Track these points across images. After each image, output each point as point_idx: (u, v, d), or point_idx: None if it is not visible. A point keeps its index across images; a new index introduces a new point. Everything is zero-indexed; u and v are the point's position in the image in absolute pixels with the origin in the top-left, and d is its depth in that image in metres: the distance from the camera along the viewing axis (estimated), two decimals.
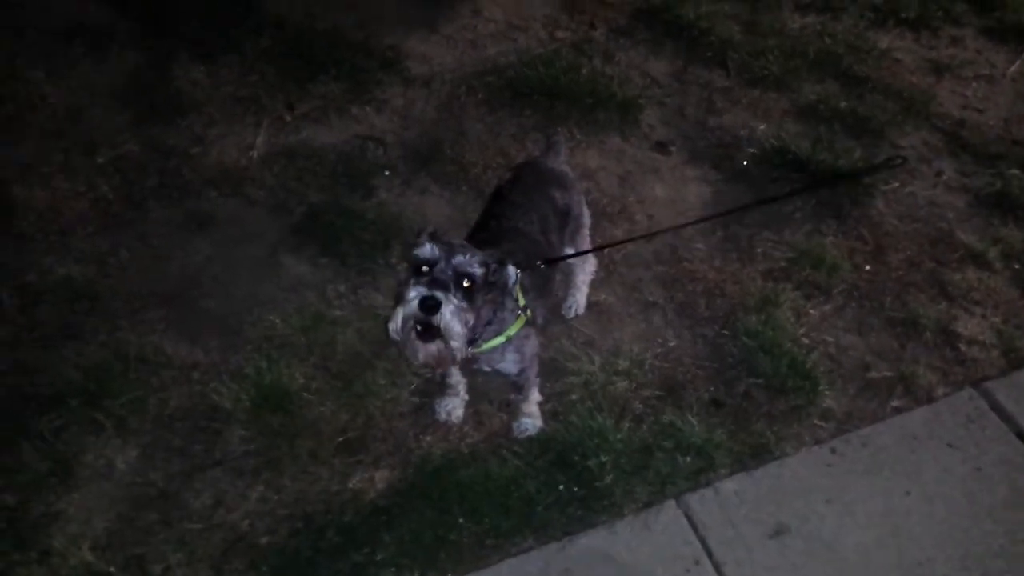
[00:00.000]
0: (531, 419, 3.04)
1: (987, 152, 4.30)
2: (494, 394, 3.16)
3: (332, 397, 3.11)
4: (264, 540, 2.76)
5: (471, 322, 2.36)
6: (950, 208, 4.01)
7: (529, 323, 2.65)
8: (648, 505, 2.89)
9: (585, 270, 3.37)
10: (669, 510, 2.88)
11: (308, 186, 3.88)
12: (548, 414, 3.10)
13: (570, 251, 3.13)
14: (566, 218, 2.97)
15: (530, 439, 3.03)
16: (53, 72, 4.30)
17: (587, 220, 3.23)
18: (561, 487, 2.92)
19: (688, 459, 3.01)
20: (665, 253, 3.71)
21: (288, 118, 4.21)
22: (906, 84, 4.67)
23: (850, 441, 3.09)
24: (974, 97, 4.67)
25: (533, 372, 2.91)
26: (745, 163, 4.16)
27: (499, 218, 2.83)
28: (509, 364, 2.73)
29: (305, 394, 3.10)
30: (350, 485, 2.89)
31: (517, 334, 2.62)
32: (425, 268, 2.31)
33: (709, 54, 4.77)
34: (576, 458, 2.97)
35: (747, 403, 3.21)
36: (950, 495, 2.95)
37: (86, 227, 3.62)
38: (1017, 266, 3.74)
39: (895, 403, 3.23)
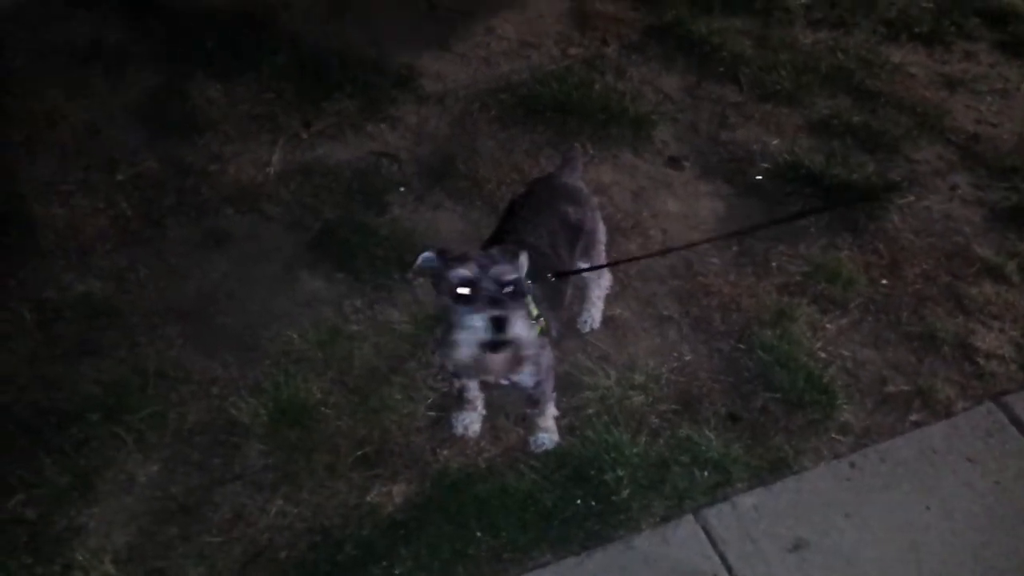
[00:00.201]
0: (548, 434, 3.04)
1: (1002, 166, 4.30)
2: (511, 408, 3.16)
3: (349, 411, 3.12)
4: (283, 554, 2.76)
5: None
6: (966, 222, 4.01)
7: (543, 333, 2.65)
8: (666, 520, 2.88)
9: (600, 285, 3.38)
10: (687, 525, 2.86)
11: (324, 203, 3.91)
12: (564, 429, 3.10)
13: (582, 265, 3.14)
14: (578, 233, 2.98)
15: (547, 453, 3.03)
16: (72, 91, 4.35)
17: (602, 236, 3.24)
18: (578, 501, 2.91)
19: (705, 473, 3.00)
20: (680, 267, 3.71)
21: (304, 135, 4.25)
22: (919, 99, 4.68)
23: (868, 455, 3.07)
24: (988, 111, 4.67)
25: (549, 386, 2.91)
26: (758, 178, 4.16)
27: (508, 233, 2.85)
28: (526, 376, 2.73)
29: (322, 408, 3.11)
30: (368, 499, 2.90)
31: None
32: (465, 289, 2.31)
33: (721, 69, 4.79)
34: (593, 472, 2.97)
35: (764, 417, 3.20)
36: (969, 509, 2.93)
37: (105, 244, 3.65)
38: None
39: (913, 417, 3.21)
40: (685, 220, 3.95)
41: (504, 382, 2.74)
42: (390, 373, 3.25)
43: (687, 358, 3.39)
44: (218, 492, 2.90)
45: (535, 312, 2.59)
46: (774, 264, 3.74)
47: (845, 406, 3.21)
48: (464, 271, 2.32)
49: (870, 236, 3.89)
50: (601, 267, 3.25)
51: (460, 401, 3.06)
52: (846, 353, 3.42)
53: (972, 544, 2.84)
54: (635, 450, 3.02)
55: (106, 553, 2.71)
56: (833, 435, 3.14)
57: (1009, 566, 2.79)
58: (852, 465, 3.04)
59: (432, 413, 3.15)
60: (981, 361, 3.40)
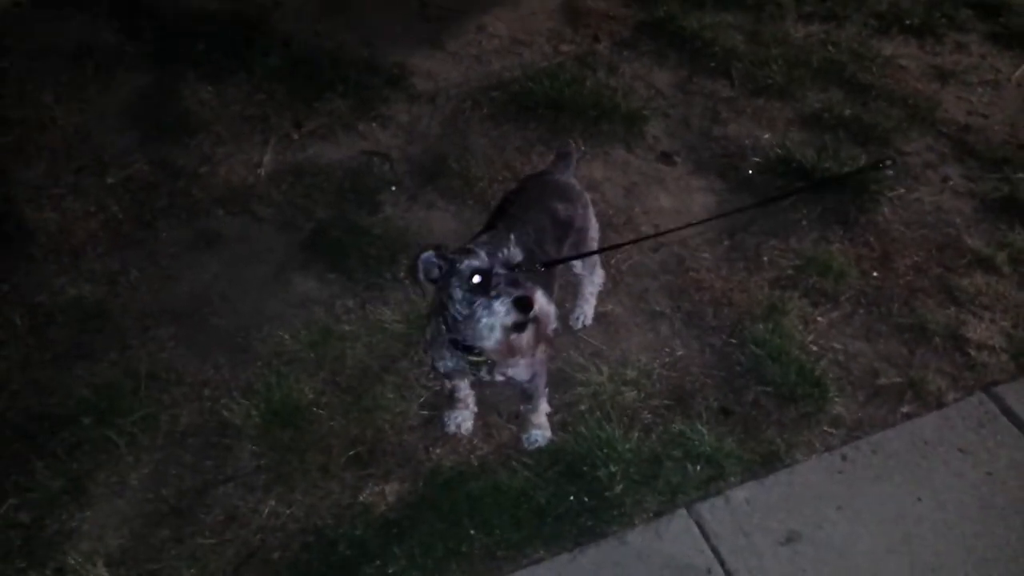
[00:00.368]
0: (540, 430, 3.04)
1: (993, 157, 4.30)
2: (503, 406, 3.17)
3: (342, 411, 3.13)
4: (276, 555, 2.76)
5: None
6: (957, 213, 4.01)
7: None
8: (659, 515, 2.88)
9: (593, 282, 3.38)
10: (680, 519, 2.87)
11: (315, 203, 3.91)
12: (557, 425, 3.10)
13: (575, 262, 3.15)
14: (567, 230, 2.98)
15: (539, 450, 3.04)
16: (63, 94, 4.36)
17: (595, 233, 3.22)
18: (571, 498, 2.92)
19: (698, 468, 3.00)
20: (672, 263, 3.72)
21: (295, 136, 4.25)
22: (911, 91, 4.68)
23: (860, 448, 3.08)
24: (979, 102, 4.68)
25: (543, 381, 2.91)
26: (750, 172, 4.17)
27: (495, 228, 2.84)
28: (521, 370, 2.74)
29: (315, 409, 3.12)
30: (361, 499, 2.90)
31: None
32: (478, 278, 2.33)
33: (713, 64, 4.79)
34: (586, 468, 2.98)
35: (756, 411, 3.20)
36: (961, 500, 2.93)
37: (96, 247, 3.65)
38: None
39: (905, 409, 3.22)
40: (677, 215, 3.95)
41: (500, 378, 2.75)
42: (382, 372, 3.25)
43: (679, 353, 3.39)
44: (210, 494, 2.90)
45: None
46: (765, 258, 3.74)
47: (837, 399, 3.22)
48: (475, 262, 2.34)
49: (861, 229, 3.89)
50: (583, 256, 3.19)
51: (452, 400, 3.07)
52: (837, 346, 3.42)
53: (964, 535, 2.85)
54: (628, 446, 3.03)
55: (99, 556, 2.72)
56: (825, 428, 3.15)
57: (1001, 556, 2.80)
58: (844, 458, 3.05)
59: (425, 412, 3.15)
60: (972, 352, 3.40)
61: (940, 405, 3.23)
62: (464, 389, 3.04)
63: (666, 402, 3.21)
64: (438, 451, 3.05)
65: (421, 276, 2.43)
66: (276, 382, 3.16)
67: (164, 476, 2.94)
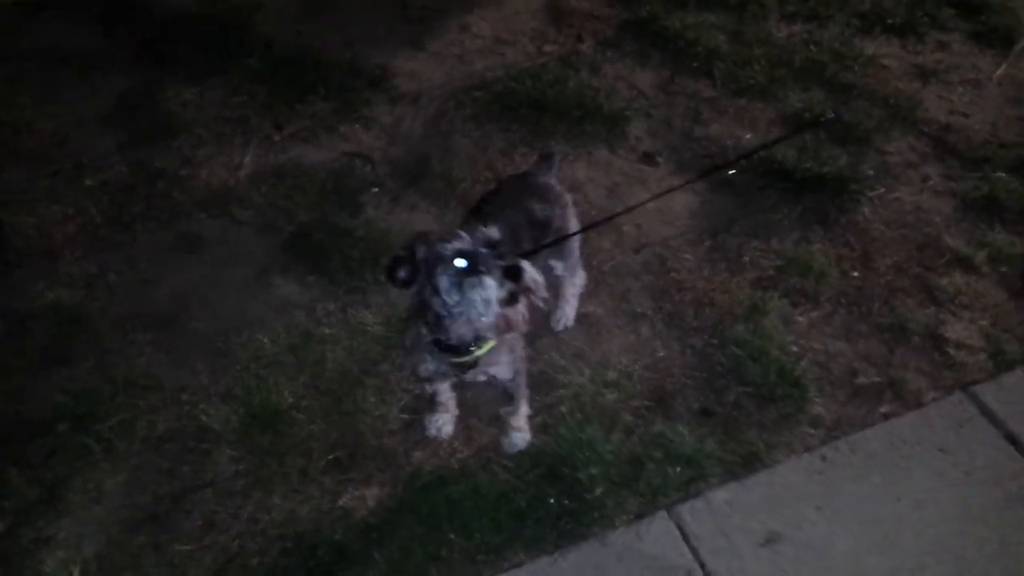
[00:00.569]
0: (520, 433, 3.03)
1: (973, 156, 4.30)
2: (483, 409, 3.16)
3: (322, 415, 3.11)
4: (255, 560, 2.75)
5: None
6: (937, 213, 4.01)
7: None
8: (639, 516, 2.88)
9: (574, 283, 3.38)
10: (661, 521, 2.87)
11: (297, 205, 3.89)
12: (538, 427, 3.10)
13: (556, 263, 3.14)
14: (544, 230, 2.97)
15: (520, 453, 3.03)
16: (40, 97, 4.34)
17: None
18: (552, 500, 2.91)
19: (679, 469, 3.00)
20: (654, 264, 3.71)
21: (276, 138, 4.23)
22: (892, 90, 4.68)
23: (840, 448, 3.08)
24: (960, 102, 4.68)
25: (523, 379, 2.91)
26: (731, 173, 4.16)
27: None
28: (504, 368, 2.74)
29: (294, 413, 3.10)
30: (340, 503, 2.89)
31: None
32: (463, 260, 2.34)
33: (695, 65, 4.78)
34: (566, 471, 2.97)
35: (737, 412, 3.20)
36: (941, 500, 2.94)
37: (74, 251, 3.63)
38: (1004, 269, 3.74)
39: (884, 409, 3.22)
40: (659, 215, 3.94)
41: (482, 378, 2.75)
42: (363, 376, 3.24)
43: (660, 354, 3.39)
44: (188, 500, 2.88)
45: None
46: (746, 259, 3.74)
47: (816, 399, 3.22)
48: (457, 244, 2.35)
49: (841, 229, 3.90)
50: (555, 242, 3.13)
51: (433, 403, 3.06)
52: (817, 346, 3.43)
53: (943, 534, 2.85)
54: (608, 447, 3.03)
55: (75, 564, 2.70)
56: (805, 428, 3.15)
57: (980, 556, 2.80)
58: (823, 458, 3.05)
59: (405, 415, 3.14)
60: (951, 351, 3.41)
61: (919, 405, 3.23)
62: (445, 392, 3.03)
63: (647, 403, 3.21)
64: (418, 455, 3.04)
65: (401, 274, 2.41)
66: (255, 386, 3.14)
67: (141, 482, 2.93)
